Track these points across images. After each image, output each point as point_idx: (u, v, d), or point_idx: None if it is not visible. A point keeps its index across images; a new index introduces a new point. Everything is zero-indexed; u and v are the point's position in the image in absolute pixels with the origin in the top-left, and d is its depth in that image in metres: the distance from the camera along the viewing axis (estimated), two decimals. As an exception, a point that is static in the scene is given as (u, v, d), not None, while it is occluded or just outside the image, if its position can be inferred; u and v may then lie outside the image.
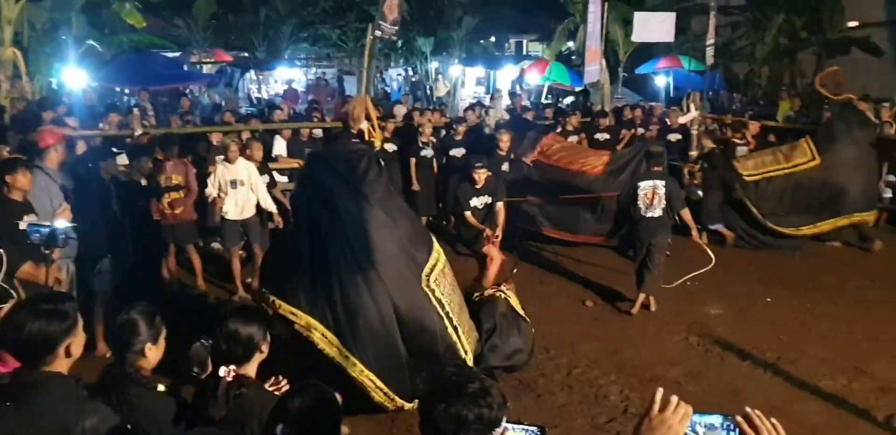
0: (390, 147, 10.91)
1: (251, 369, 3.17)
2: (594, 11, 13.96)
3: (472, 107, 14.84)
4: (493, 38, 29.96)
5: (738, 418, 1.81)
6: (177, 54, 23.01)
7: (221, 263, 9.19)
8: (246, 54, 25.83)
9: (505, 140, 10.18)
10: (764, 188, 10.60)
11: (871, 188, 10.88)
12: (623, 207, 8.39)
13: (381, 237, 5.63)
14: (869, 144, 10.81)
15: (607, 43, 17.52)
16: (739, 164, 10.86)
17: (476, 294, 6.91)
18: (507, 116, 14.02)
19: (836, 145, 10.62)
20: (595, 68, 13.98)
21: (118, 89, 18.49)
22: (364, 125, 10.78)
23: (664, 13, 15.37)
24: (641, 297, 8.18)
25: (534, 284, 9.18)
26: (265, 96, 22.17)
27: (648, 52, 22.41)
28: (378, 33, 12.17)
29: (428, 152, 11.16)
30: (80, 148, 8.28)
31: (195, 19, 23.02)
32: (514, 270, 7.79)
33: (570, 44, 23.55)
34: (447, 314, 5.78)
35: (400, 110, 13.09)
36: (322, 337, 5.38)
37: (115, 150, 9.73)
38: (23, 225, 5.20)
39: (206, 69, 24.40)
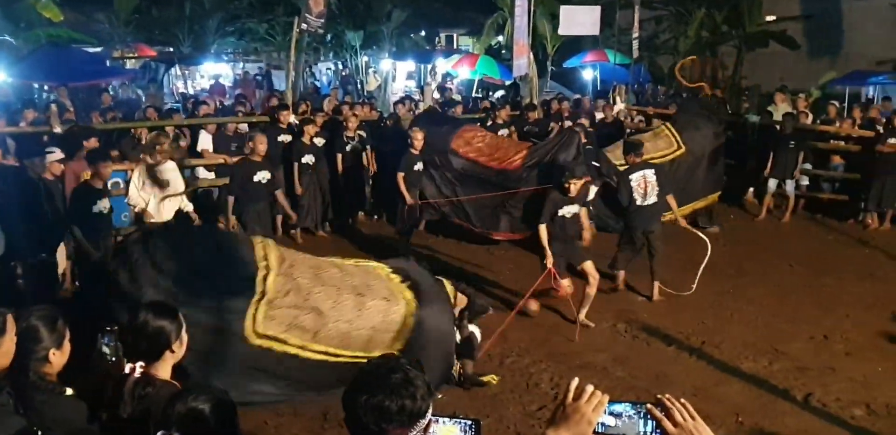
0: (319, 141, 10.85)
1: (162, 369, 3.01)
2: (521, 5, 14.05)
3: (401, 100, 14.83)
4: (423, 32, 29.96)
5: (649, 406, 1.84)
6: (98, 49, 22.38)
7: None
8: (171, 49, 25.24)
9: (419, 138, 9.76)
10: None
11: (719, 169, 11.45)
12: (621, 199, 8.46)
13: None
14: (716, 129, 11.35)
15: (535, 37, 17.70)
16: (610, 153, 10.74)
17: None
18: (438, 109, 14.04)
19: (694, 133, 11.07)
20: (523, 62, 14.08)
21: (36, 85, 17.89)
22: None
23: (589, 7, 15.57)
24: (657, 284, 8.48)
25: (466, 278, 9.23)
26: (191, 92, 21.72)
27: (576, 46, 22.76)
28: (304, 26, 12.10)
29: (355, 146, 11.13)
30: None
31: (117, 13, 22.40)
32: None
33: (500, 38, 23.72)
34: (302, 346, 5.49)
35: (330, 104, 13.00)
36: None
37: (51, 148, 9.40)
38: None
39: (129, 64, 23.84)
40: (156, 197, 8.18)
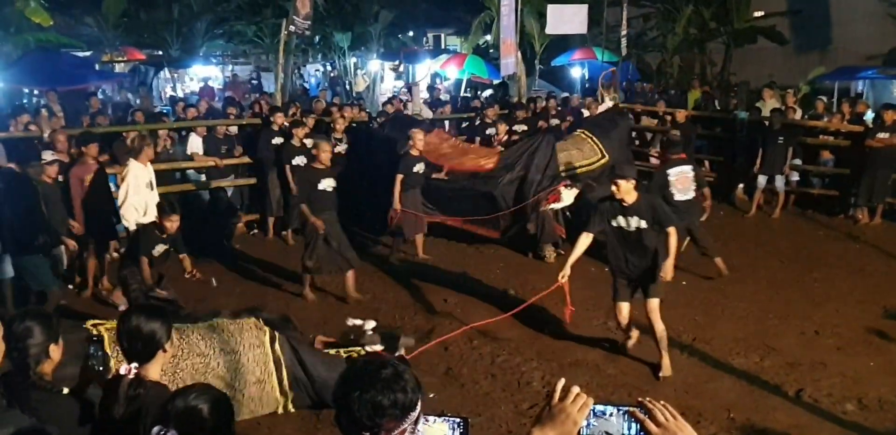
0: (310, 142, 10.82)
1: (153, 369, 3.09)
2: (508, 4, 14.08)
3: (389, 100, 14.84)
4: (410, 33, 29.95)
5: (631, 409, 1.87)
6: (87, 53, 22.30)
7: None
8: (159, 52, 25.18)
9: (419, 138, 9.51)
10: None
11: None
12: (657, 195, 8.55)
13: None
14: (622, 135, 11.66)
15: (523, 36, 17.72)
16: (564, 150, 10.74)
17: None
18: (426, 110, 14.06)
19: (612, 142, 11.07)
20: (511, 61, 14.10)
21: (26, 90, 17.84)
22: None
23: (577, 6, 15.60)
24: (719, 261, 8.93)
25: (456, 277, 9.25)
26: (180, 94, 21.67)
27: (564, 44, 22.78)
28: (292, 28, 12.10)
29: (342, 148, 11.11)
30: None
31: (105, 17, 22.31)
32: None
33: (487, 37, 23.72)
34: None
35: (319, 106, 12.98)
36: None
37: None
38: None
39: (118, 68, 23.75)
40: (145, 196, 8.27)
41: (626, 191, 6.37)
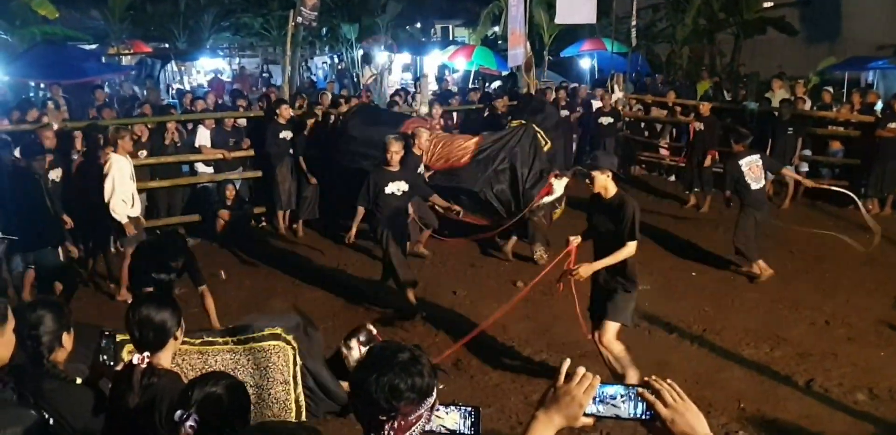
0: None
1: (165, 357, 3.13)
2: (516, -5, 14.02)
3: (397, 93, 14.80)
4: (418, 24, 29.86)
5: (639, 389, 1.83)
6: (94, 46, 22.31)
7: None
8: (166, 45, 25.18)
9: (424, 138, 9.04)
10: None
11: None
12: (727, 185, 8.85)
13: None
14: (554, 123, 11.42)
15: (531, 27, 17.65)
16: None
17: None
18: (424, 107, 13.99)
19: (549, 130, 10.61)
20: (519, 52, 14.04)
21: (32, 84, 17.85)
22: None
23: (586, -5, 15.51)
24: (761, 264, 8.71)
25: (465, 268, 9.25)
26: (187, 87, 21.67)
27: (573, 35, 22.66)
28: (299, 20, 12.07)
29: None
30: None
31: (112, 10, 22.29)
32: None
33: (496, 28, 23.62)
34: None
35: (326, 98, 12.96)
36: None
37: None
38: None
39: (125, 61, 23.76)
40: (129, 188, 8.17)
41: (601, 185, 5.62)
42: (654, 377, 1.85)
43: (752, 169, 8.66)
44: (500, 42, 22.85)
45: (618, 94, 13.95)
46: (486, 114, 12.87)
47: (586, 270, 5.69)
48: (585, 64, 23.24)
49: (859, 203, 9.08)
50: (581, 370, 1.86)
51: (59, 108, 12.23)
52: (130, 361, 3.03)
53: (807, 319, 7.56)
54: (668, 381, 1.84)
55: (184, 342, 5.14)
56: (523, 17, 13.93)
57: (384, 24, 25.30)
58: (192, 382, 2.59)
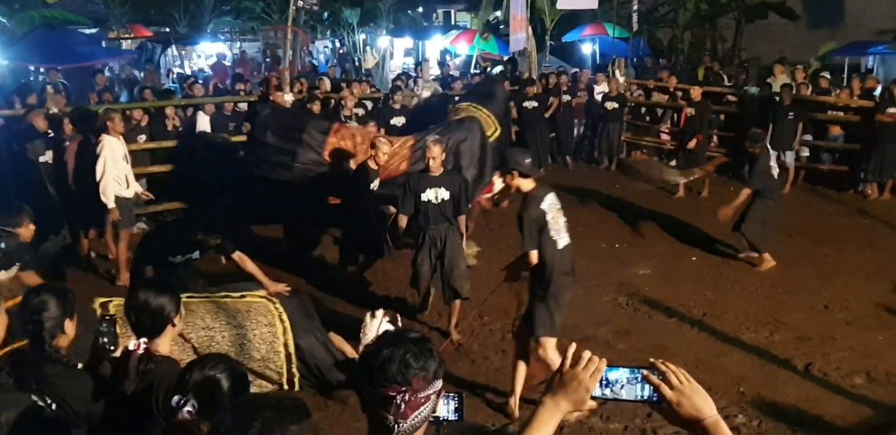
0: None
1: (163, 343, 3.10)
2: (518, -21, 13.96)
3: (398, 77, 14.77)
4: (420, 9, 29.68)
5: (645, 372, 1.85)
6: (94, 30, 22.20)
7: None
8: (167, 29, 25.07)
9: (385, 151, 7.63)
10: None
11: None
12: (751, 182, 8.59)
13: None
14: (503, 107, 10.44)
15: (533, 11, 17.55)
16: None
17: None
18: (437, 87, 13.98)
19: (500, 114, 9.77)
20: (521, 36, 14.00)
21: (32, 68, 17.80)
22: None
23: (587, -20, 15.44)
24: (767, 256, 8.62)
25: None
26: (188, 72, 21.59)
27: (574, 20, 22.55)
28: (300, 4, 12.02)
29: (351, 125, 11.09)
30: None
31: (112, -7, 22.24)
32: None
33: (498, 13, 23.49)
34: None
35: (324, 84, 12.93)
36: None
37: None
38: None
39: (125, 45, 23.66)
40: (123, 170, 8.16)
41: (515, 186, 5.37)
42: (660, 360, 1.86)
43: (773, 165, 8.82)
44: (501, 27, 22.74)
45: (619, 79, 13.91)
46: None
47: (505, 276, 5.69)
48: (587, 49, 23.15)
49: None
50: (587, 354, 1.87)
51: (60, 93, 12.19)
52: (128, 346, 3.01)
53: (806, 303, 7.59)
54: (670, 365, 1.85)
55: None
56: (525, 1, 13.87)
57: (386, 9, 25.17)
58: (190, 365, 2.58)
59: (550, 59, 21.40)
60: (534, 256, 5.26)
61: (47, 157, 8.56)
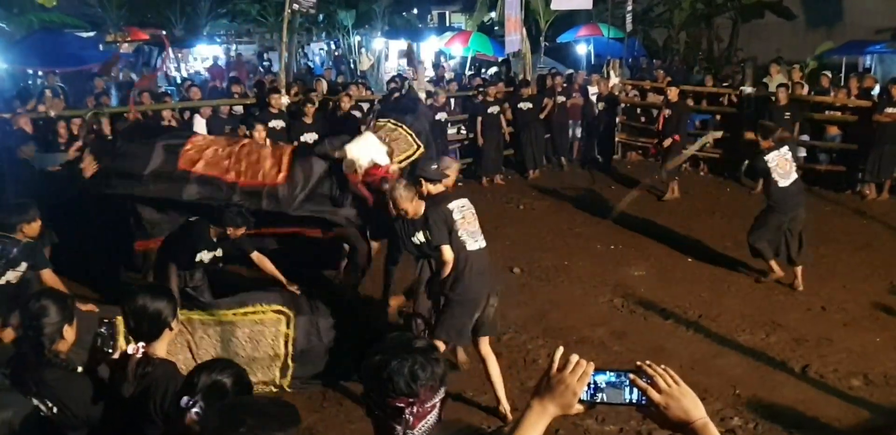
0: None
1: (161, 347, 3.14)
2: (512, -20, 13.93)
3: (393, 79, 14.75)
4: (415, 10, 29.70)
5: (632, 376, 1.84)
6: (91, 34, 22.21)
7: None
8: (163, 32, 25.06)
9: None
10: None
11: None
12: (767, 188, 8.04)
13: None
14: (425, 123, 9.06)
15: (528, 12, 17.55)
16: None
17: None
18: (430, 87, 13.96)
19: (421, 132, 8.59)
20: (515, 38, 13.98)
21: (30, 71, 17.81)
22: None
23: (582, -19, 15.45)
24: (800, 270, 7.96)
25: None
26: (184, 74, 21.58)
27: (569, 20, 22.55)
28: (296, 6, 12.00)
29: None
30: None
31: (109, -3, 22.27)
32: None
33: (493, 14, 23.51)
34: None
35: (320, 86, 12.91)
36: None
37: None
38: None
39: (122, 48, 23.63)
40: None
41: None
42: (647, 362, 1.85)
43: (780, 163, 7.86)
44: (496, 28, 22.75)
45: (614, 79, 13.90)
46: (478, 100, 12.87)
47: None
48: (582, 50, 23.13)
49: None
50: (574, 358, 1.86)
51: (59, 97, 12.19)
52: (126, 350, 3.04)
53: (803, 304, 7.58)
54: (662, 366, 1.84)
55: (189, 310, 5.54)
56: (520, 2, 13.85)
57: (381, 11, 25.17)
58: (197, 369, 2.63)
59: (545, 60, 21.39)
60: (446, 250, 5.34)
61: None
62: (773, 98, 12.05)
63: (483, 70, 20.44)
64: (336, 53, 26.55)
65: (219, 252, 6.10)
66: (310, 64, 25.06)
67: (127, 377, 2.97)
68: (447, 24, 30.91)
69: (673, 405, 1.79)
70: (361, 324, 6.39)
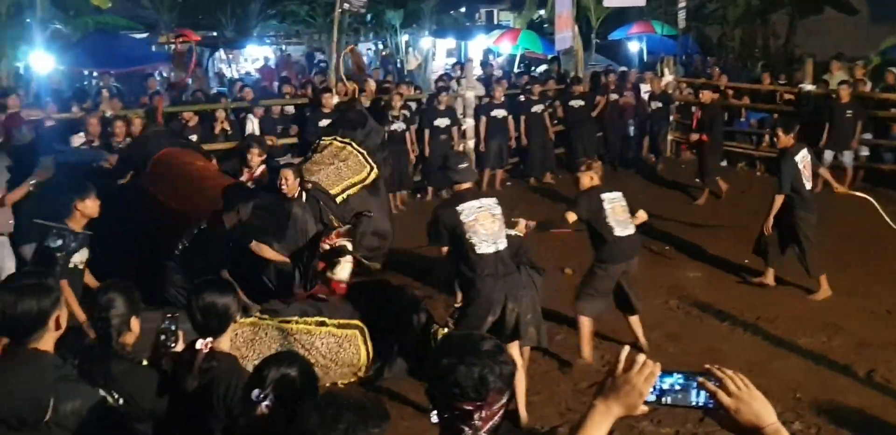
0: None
1: (225, 340, 3.19)
2: (563, -23, 13.84)
3: (441, 78, 14.73)
4: (463, 9, 29.65)
5: (700, 379, 1.79)
6: (145, 35, 22.64)
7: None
8: (214, 33, 25.43)
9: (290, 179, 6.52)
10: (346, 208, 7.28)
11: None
12: (783, 186, 7.63)
13: None
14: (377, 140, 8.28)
15: (579, 9, 17.37)
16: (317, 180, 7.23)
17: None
18: (480, 87, 13.88)
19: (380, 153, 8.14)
20: (567, 35, 13.87)
21: (86, 72, 18.20)
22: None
23: (634, -22, 15.27)
24: (824, 279, 7.68)
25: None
26: (235, 75, 21.88)
27: (621, 17, 22.27)
28: (346, 6, 12.06)
29: (398, 126, 11.10)
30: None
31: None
32: None
33: (542, 11, 23.34)
34: None
35: (370, 85, 12.93)
36: None
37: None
38: None
39: (176, 49, 24.03)
40: None
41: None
42: (716, 366, 1.80)
43: (806, 166, 7.66)
44: (546, 26, 22.58)
45: (668, 77, 13.69)
46: (521, 98, 12.76)
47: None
48: (634, 47, 22.87)
49: (878, 206, 8.10)
50: (641, 358, 1.82)
51: (115, 97, 12.42)
52: (191, 344, 3.09)
53: (865, 307, 7.37)
54: (730, 371, 1.80)
55: (260, 318, 5.64)
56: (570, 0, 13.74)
57: (429, 10, 25.17)
58: (266, 362, 2.65)
59: (596, 58, 21.18)
60: (443, 250, 5.42)
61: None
62: (835, 95, 11.74)
63: (532, 68, 20.31)
64: (384, 53, 26.63)
65: None
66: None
67: (192, 371, 3.02)
68: (495, 23, 30.78)
69: (744, 409, 1.75)
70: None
